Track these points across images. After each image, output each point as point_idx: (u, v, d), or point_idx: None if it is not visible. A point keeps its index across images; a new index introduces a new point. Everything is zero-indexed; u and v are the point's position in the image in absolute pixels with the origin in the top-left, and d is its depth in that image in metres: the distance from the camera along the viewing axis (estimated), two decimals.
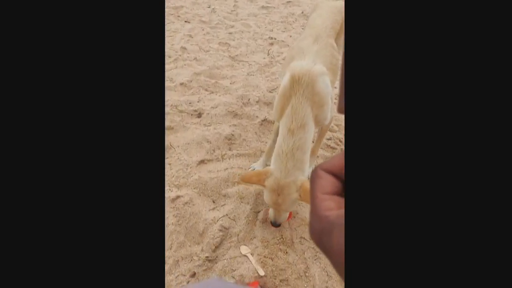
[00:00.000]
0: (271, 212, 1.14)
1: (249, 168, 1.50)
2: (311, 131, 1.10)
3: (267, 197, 1.08)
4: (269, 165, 1.50)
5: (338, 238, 0.21)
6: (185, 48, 2.47)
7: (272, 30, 3.02)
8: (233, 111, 1.86)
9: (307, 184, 1.01)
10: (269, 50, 2.64)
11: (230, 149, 1.61)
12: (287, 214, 1.14)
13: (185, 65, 2.25)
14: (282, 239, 1.21)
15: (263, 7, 3.52)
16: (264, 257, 1.13)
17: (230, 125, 1.75)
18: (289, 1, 3.77)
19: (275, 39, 2.84)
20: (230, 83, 2.13)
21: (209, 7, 3.31)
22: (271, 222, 1.15)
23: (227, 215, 1.26)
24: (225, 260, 1.12)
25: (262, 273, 1.07)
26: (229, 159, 1.55)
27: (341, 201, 0.24)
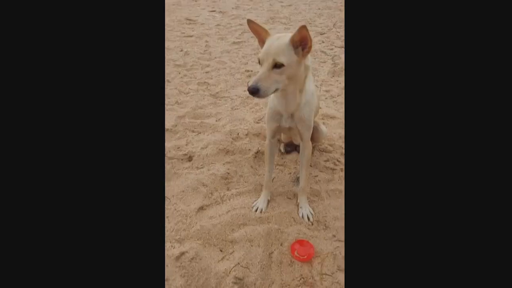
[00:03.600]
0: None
1: (252, 206, 1.42)
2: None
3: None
4: (269, 200, 1.43)
5: None
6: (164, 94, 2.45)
7: (247, 63, 3.08)
8: (224, 148, 1.80)
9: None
10: (248, 82, 2.67)
11: (228, 189, 1.53)
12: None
13: (167, 110, 2.21)
14: (303, 279, 1.10)
15: (234, 43, 3.63)
16: None
17: (223, 163, 1.69)
18: None
19: (251, 71, 2.90)
20: (216, 121, 2.10)
21: (181, 50, 3.38)
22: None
23: (238, 263, 1.15)
24: None
25: None
26: (229, 199, 1.47)
27: None
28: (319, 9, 5.43)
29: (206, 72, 2.87)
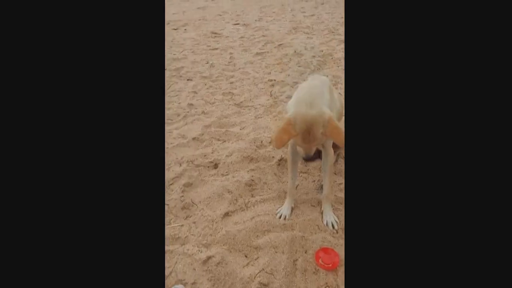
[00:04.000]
0: (300, 149, 1.21)
1: (276, 213, 1.43)
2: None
3: (299, 140, 1.13)
4: (293, 207, 1.43)
5: None
6: (192, 104, 2.56)
7: (270, 73, 3.14)
8: (248, 156, 1.84)
9: (334, 119, 1.09)
10: (271, 92, 2.72)
11: (252, 196, 1.56)
12: (315, 148, 1.20)
13: (194, 120, 2.31)
14: (327, 287, 1.09)
15: (257, 53, 3.72)
16: None
17: (248, 171, 1.72)
18: (281, 44, 3.99)
19: (274, 80, 2.95)
20: (240, 129, 2.16)
21: (207, 63, 3.52)
22: (303, 158, 1.20)
23: (263, 269, 1.17)
24: None
25: None
26: (253, 206, 1.49)
27: None
28: (341, 17, 5.42)
29: (231, 83, 2.96)
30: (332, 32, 4.44)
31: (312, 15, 5.69)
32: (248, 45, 4.05)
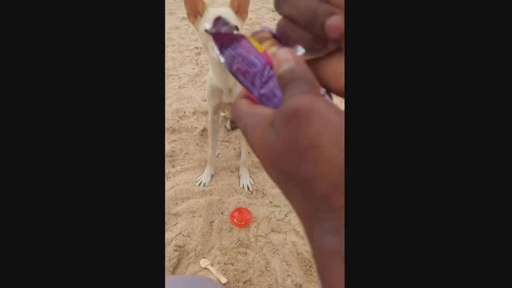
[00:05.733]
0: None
1: (196, 181, 1.49)
2: None
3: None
4: (213, 174, 1.51)
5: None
6: None
7: (196, 40, 3.02)
8: (170, 127, 1.82)
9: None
10: (197, 60, 2.64)
11: (173, 166, 1.58)
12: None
13: None
14: (239, 242, 1.22)
15: (184, 18, 3.50)
16: (225, 264, 1.14)
17: (169, 142, 1.71)
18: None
19: (201, 48, 2.85)
20: None
21: None
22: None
23: (180, 233, 1.24)
24: None
25: (224, 280, 1.07)
26: (174, 176, 1.52)
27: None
28: None
29: None
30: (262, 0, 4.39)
31: None
32: (174, 8, 3.76)
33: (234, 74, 0.23)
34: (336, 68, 0.21)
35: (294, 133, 0.16)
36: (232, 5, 1.12)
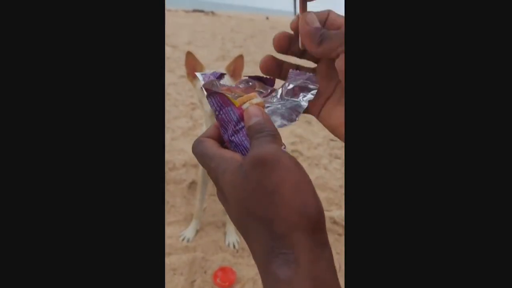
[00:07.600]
0: None
1: (179, 236, 1.44)
2: None
3: None
4: (198, 230, 1.47)
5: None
6: None
7: (192, 96, 3.21)
8: None
9: None
10: (191, 115, 2.76)
11: None
12: None
13: None
14: None
15: (182, 76, 3.76)
16: None
17: None
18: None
19: (196, 104, 3.02)
20: None
21: None
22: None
23: None
24: None
25: None
26: None
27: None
28: (268, 52, 5.95)
29: None
30: (256, 64, 4.83)
31: (241, 46, 6.10)
32: (173, 67, 4.07)
33: (216, 117, 0.28)
34: (340, 116, 0.26)
35: (260, 176, 0.20)
36: (228, 69, 1.27)
